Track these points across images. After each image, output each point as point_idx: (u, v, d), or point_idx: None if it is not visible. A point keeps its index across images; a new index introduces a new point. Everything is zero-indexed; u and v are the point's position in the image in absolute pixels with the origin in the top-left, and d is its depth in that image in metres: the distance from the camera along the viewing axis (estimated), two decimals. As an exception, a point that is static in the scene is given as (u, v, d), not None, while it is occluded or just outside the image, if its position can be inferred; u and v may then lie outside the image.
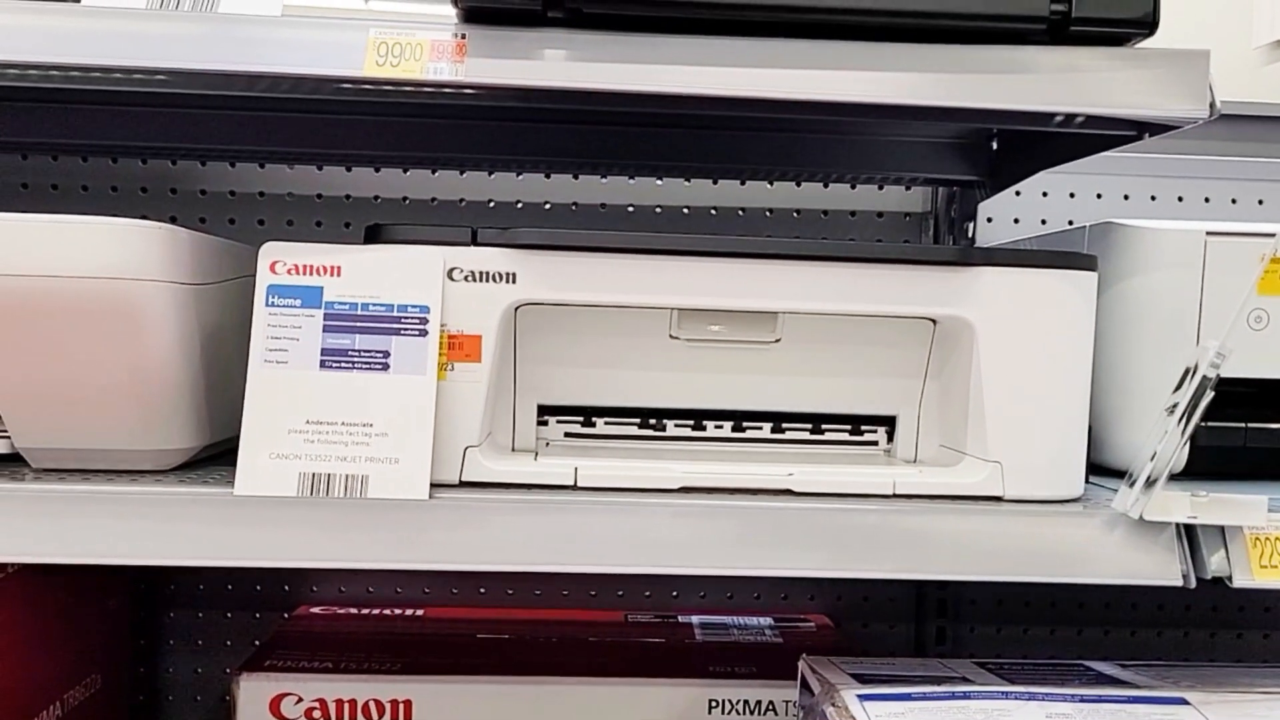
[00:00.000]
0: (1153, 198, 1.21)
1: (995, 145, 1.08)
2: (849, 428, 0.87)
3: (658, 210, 1.21)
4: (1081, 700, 0.72)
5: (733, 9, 0.72)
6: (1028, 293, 0.77)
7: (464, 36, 0.72)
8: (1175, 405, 0.74)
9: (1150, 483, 0.74)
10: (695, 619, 1.17)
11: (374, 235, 0.76)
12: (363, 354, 0.73)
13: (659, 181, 1.21)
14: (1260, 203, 1.22)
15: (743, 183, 1.21)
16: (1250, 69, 5.64)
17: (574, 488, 0.75)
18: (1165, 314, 0.88)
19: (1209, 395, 0.74)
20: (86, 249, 0.69)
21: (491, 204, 1.20)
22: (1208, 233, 0.88)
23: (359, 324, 0.73)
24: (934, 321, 0.82)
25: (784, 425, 0.87)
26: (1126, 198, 1.22)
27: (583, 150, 1.09)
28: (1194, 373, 0.72)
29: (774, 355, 0.84)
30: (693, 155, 1.13)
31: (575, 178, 1.20)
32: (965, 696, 0.71)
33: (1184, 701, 0.73)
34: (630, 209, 1.21)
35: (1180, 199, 1.22)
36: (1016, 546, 0.75)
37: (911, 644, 1.21)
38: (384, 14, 0.70)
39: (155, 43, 0.69)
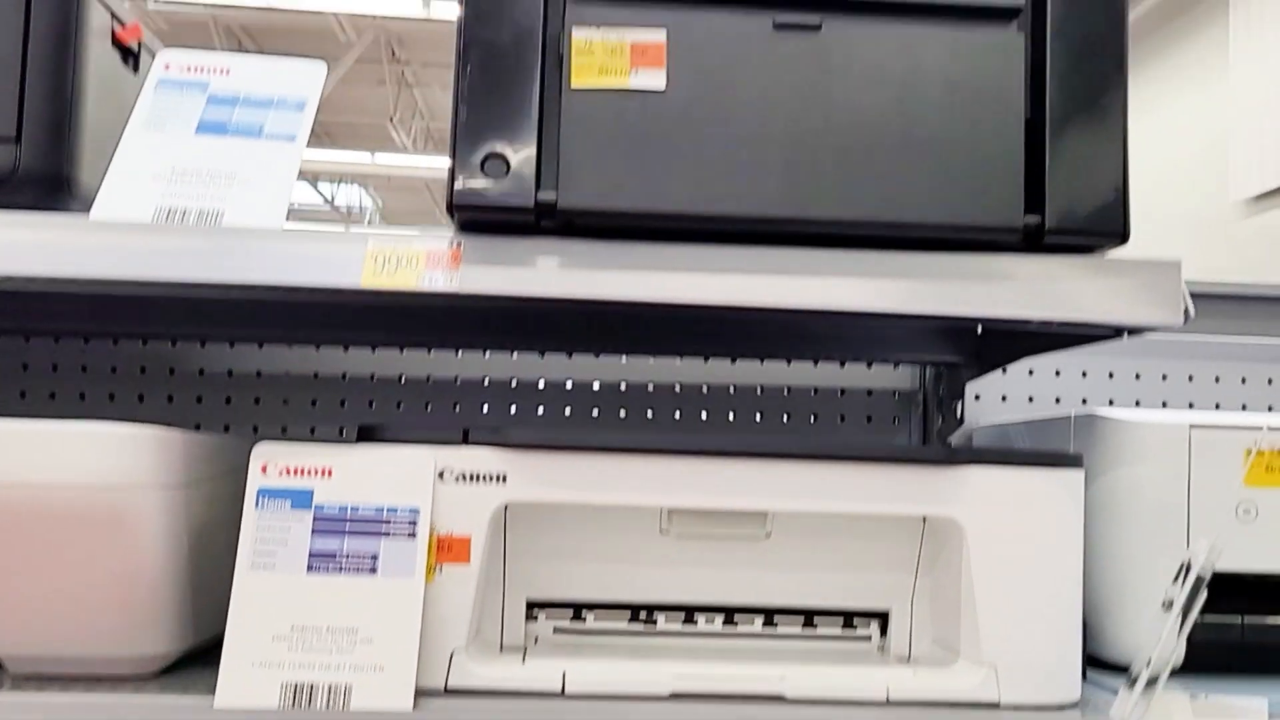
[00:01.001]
0: (1137, 376, 1.23)
1: (980, 330, 1.11)
2: (841, 622, 0.86)
3: (650, 388, 1.23)
4: None
5: (723, 221, 0.74)
6: (1015, 492, 0.78)
7: (459, 245, 0.75)
8: (1170, 603, 0.74)
9: (1150, 684, 0.73)
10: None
11: (366, 435, 0.77)
12: (351, 557, 0.73)
13: (652, 361, 1.23)
14: (1243, 380, 1.24)
15: (734, 361, 1.23)
16: (1227, 222, 5.77)
17: (561, 694, 0.74)
18: (1154, 506, 0.88)
19: (1203, 594, 0.74)
20: (76, 458, 0.69)
21: (486, 382, 1.21)
22: (1191, 425, 0.90)
23: (348, 526, 0.74)
24: (924, 518, 0.82)
25: (775, 619, 0.86)
26: (1111, 375, 1.24)
27: (575, 333, 1.11)
28: (1187, 572, 0.72)
29: (765, 550, 0.84)
30: (684, 337, 1.15)
31: (569, 356, 1.22)
32: None
33: None
34: (623, 386, 1.22)
35: (1164, 376, 1.23)
36: (1015, 756, 0.73)
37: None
38: (383, 231, 0.72)
39: (163, 257, 0.71)
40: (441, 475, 0.75)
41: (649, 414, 1.22)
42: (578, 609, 0.84)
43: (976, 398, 1.24)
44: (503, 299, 0.74)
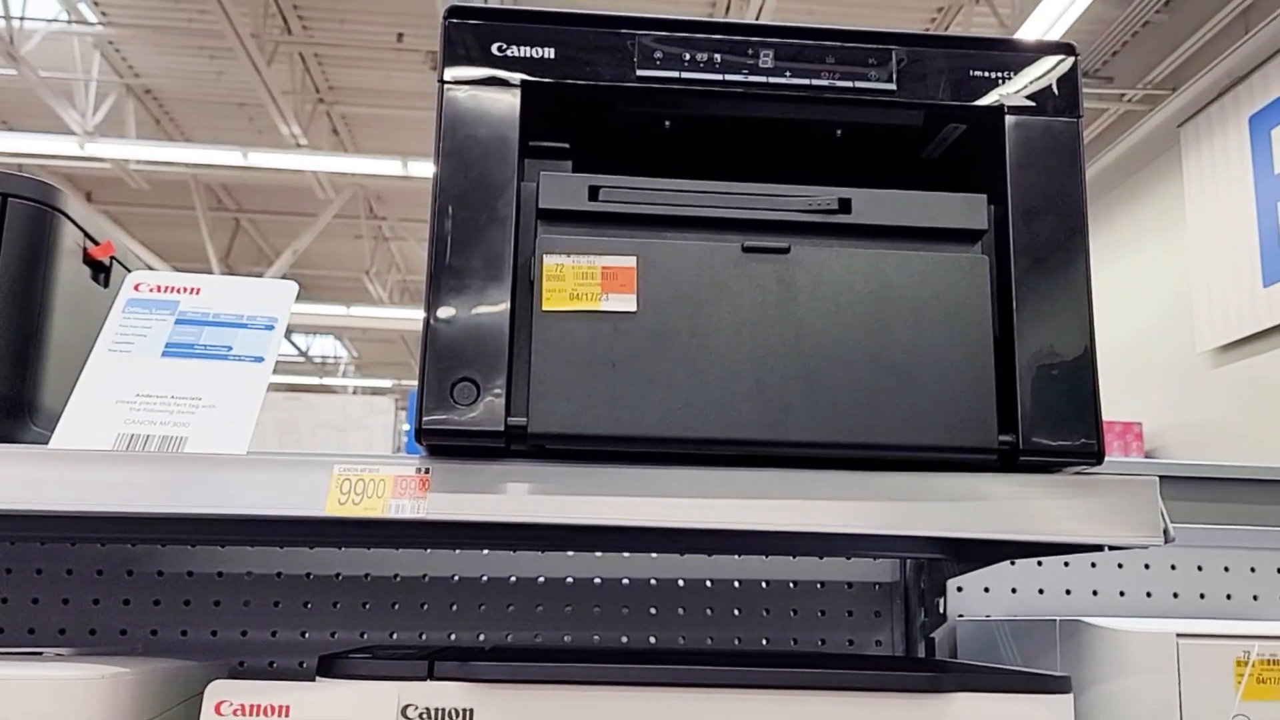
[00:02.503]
0: (1119, 565, 1.21)
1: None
2: None
3: (625, 582, 1.20)
4: None
5: (696, 444, 0.73)
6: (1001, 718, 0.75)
7: (427, 471, 0.73)
8: None
9: None
10: None
11: (326, 669, 0.74)
12: (306, 807, 0.69)
13: (626, 556, 1.20)
14: (1225, 569, 1.22)
15: (710, 555, 1.21)
16: (1195, 372, 5.86)
17: None
18: (1145, 717, 0.86)
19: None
20: (27, 704, 0.66)
21: (456, 579, 1.18)
22: (1178, 635, 0.87)
23: (305, 773, 0.69)
24: (910, 743, 0.79)
25: None
26: (1094, 565, 1.22)
27: (549, 530, 1.09)
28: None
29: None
30: (659, 533, 1.13)
31: (542, 552, 1.19)
32: None
33: None
34: (597, 580, 1.19)
35: (1146, 565, 1.22)
36: None
37: None
38: (350, 454, 0.71)
39: (122, 489, 0.69)
40: (405, 712, 0.72)
41: (624, 610, 1.19)
42: None
43: (959, 589, 1.21)
44: (471, 525, 0.72)
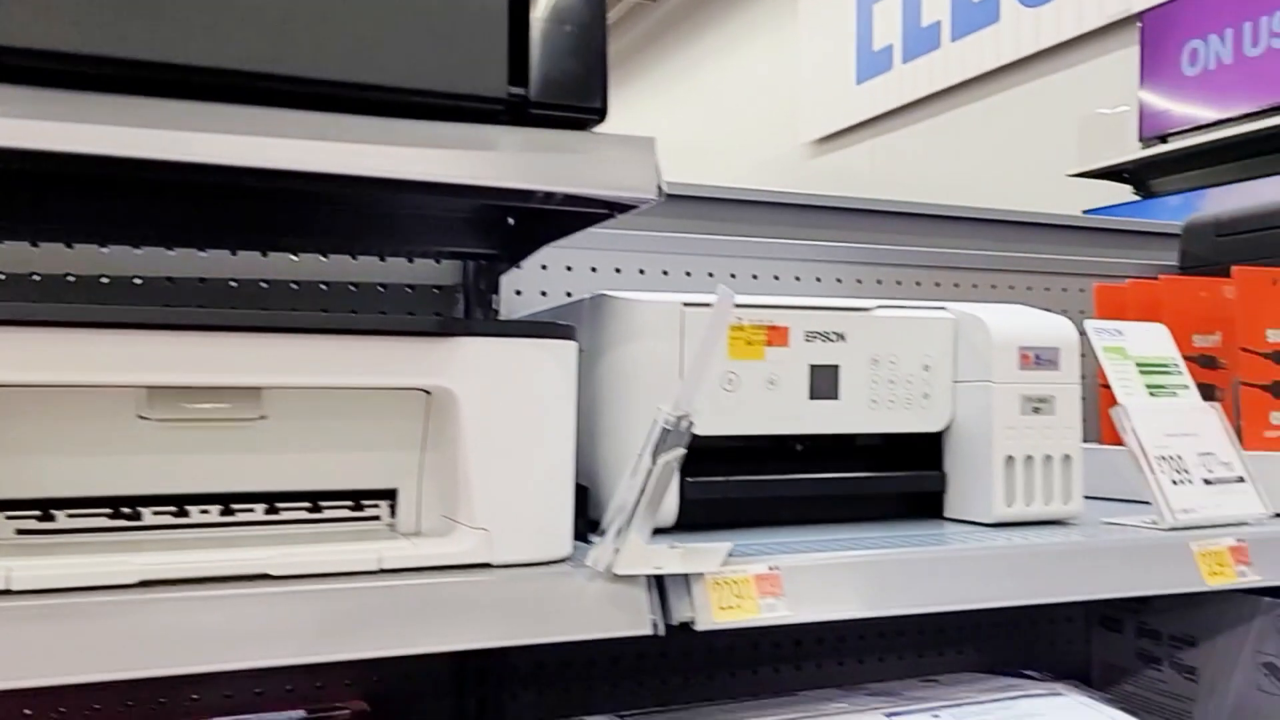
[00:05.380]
0: (641, 270, 1.32)
1: (512, 221, 1.13)
2: (350, 504, 0.85)
3: (169, 281, 1.13)
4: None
5: (160, 70, 0.67)
6: (507, 362, 0.80)
7: None
8: (640, 460, 0.79)
9: (622, 535, 0.78)
10: (216, 723, 1.08)
11: None
12: None
13: (171, 253, 1.13)
14: (733, 275, 1.36)
15: (264, 254, 1.16)
16: (797, 161, 6.38)
17: (7, 593, 0.67)
18: (651, 377, 0.95)
19: (678, 451, 0.80)
20: None
21: (-36, 275, 1.06)
22: (684, 304, 0.97)
23: None
24: (428, 392, 0.82)
25: (279, 506, 0.83)
26: (642, 271, 1.32)
27: (65, 216, 1.00)
28: (652, 429, 0.78)
29: (261, 433, 0.80)
30: (209, 227, 1.07)
31: (69, 247, 1.09)
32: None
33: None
34: (137, 280, 1.12)
35: (665, 272, 1.33)
36: (505, 611, 0.76)
37: (456, 717, 1.20)
38: None
39: None
40: None
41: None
42: (45, 508, 0.76)
43: (519, 293, 1.27)
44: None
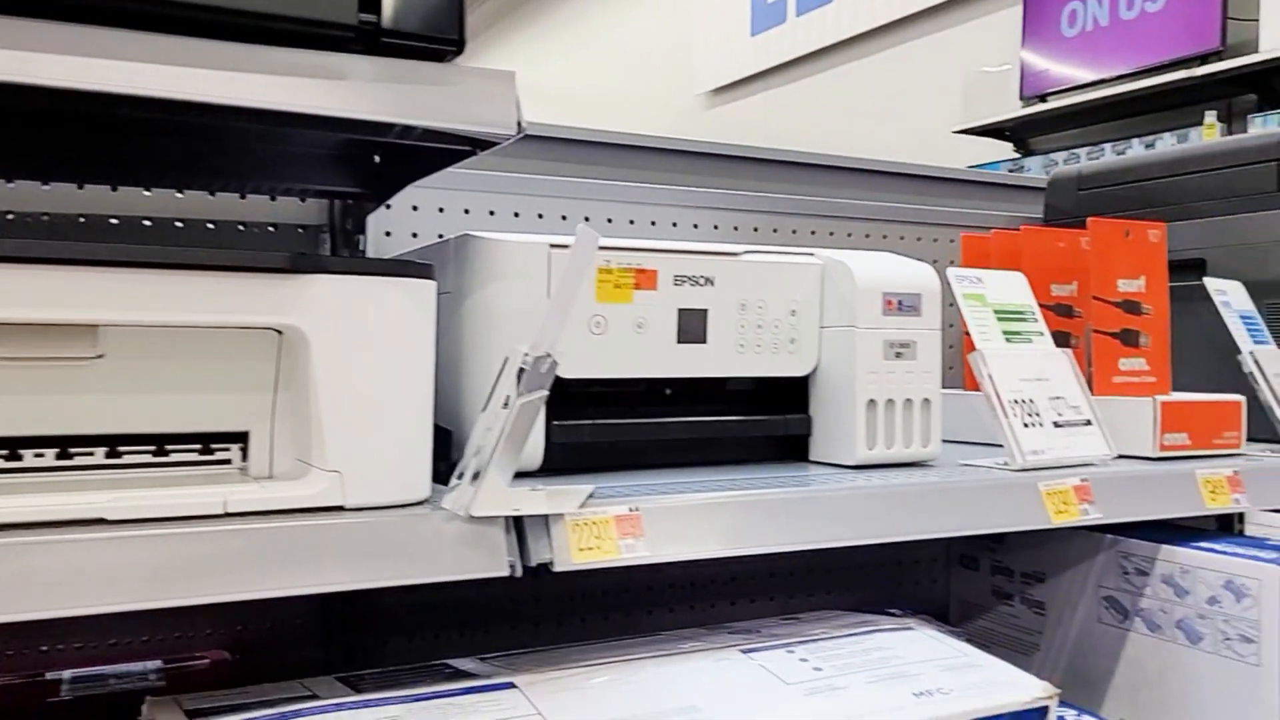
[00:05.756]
0: (516, 214, 1.30)
1: (378, 159, 1.09)
2: (199, 448, 0.82)
3: (9, 217, 1.07)
4: (415, 700, 0.73)
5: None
6: (361, 301, 0.77)
7: None
8: (506, 401, 0.78)
9: (480, 477, 0.77)
10: (67, 674, 1.04)
11: None
12: None
13: (10, 185, 1.06)
14: (610, 221, 1.36)
15: (114, 189, 1.11)
16: (694, 111, 6.40)
17: None
18: (516, 319, 0.93)
19: (540, 393, 0.79)
20: None
21: None
22: (551, 245, 0.96)
23: None
24: (279, 332, 0.80)
25: (121, 450, 0.79)
26: (517, 215, 1.30)
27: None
28: (504, 370, 0.77)
29: (100, 373, 0.77)
30: (47, 156, 1.01)
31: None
32: (294, 715, 0.69)
33: (511, 685, 0.77)
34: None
35: (540, 215, 1.32)
36: (358, 554, 0.75)
37: (323, 665, 1.18)
38: None
39: None
40: None
41: (10, 247, 1.07)
42: None
43: (388, 234, 1.23)
44: None
